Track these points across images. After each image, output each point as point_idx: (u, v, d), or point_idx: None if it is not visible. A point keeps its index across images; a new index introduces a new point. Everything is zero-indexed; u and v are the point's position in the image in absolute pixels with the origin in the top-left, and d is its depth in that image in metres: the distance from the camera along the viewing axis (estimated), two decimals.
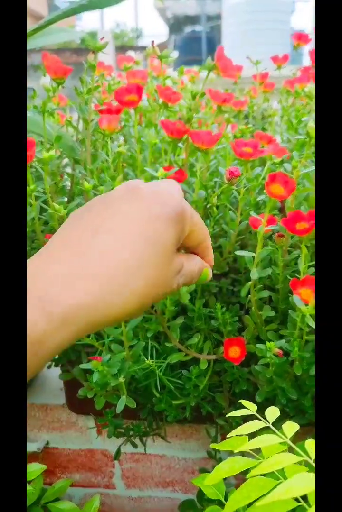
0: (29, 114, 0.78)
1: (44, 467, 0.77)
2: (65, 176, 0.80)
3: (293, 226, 0.56)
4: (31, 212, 0.58)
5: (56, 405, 1.00)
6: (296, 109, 0.77)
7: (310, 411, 0.70)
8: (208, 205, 0.64)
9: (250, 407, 0.40)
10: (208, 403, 0.79)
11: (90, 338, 0.60)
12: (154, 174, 0.55)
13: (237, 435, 0.38)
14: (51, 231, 0.65)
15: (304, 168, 0.59)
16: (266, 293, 0.66)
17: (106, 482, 1.06)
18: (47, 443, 1.03)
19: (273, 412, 0.38)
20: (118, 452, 0.82)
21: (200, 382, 0.71)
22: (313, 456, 0.34)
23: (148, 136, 0.67)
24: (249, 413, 0.40)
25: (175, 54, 1.05)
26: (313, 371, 0.62)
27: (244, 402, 0.41)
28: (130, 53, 1.28)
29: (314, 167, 0.59)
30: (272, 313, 0.66)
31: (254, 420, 0.38)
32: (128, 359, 0.62)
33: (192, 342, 0.68)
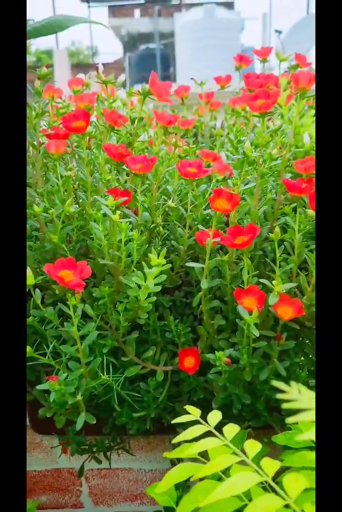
0: None
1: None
2: None
3: (233, 241, 0.60)
4: None
5: None
6: (236, 129, 0.81)
7: (264, 414, 0.74)
8: (153, 225, 0.67)
9: (193, 413, 0.42)
10: (168, 413, 0.82)
11: (47, 357, 0.62)
12: (104, 202, 0.57)
13: (183, 441, 0.41)
14: None
15: (244, 185, 0.63)
16: (216, 303, 0.69)
17: (74, 501, 1.06)
18: None
19: (215, 416, 0.41)
20: (81, 470, 0.82)
21: (158, 394, 0.73)
22: (251, 455, 0.37)
23: (97, 159, 0.70)
24: (193, 419, 0.42)
25: (122, 78, 1.09)
26: (263, 376, 0.66)
27: (187, 407, 0.44)
28: (81, 75, 1.30)
29: (252, 184, 0.64)
30: (223, 322, 0.69)
31: (197, 425, 0.41)
32: (86, 376, 0.64)
33: (147, 355, 0.71)
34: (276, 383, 0.32)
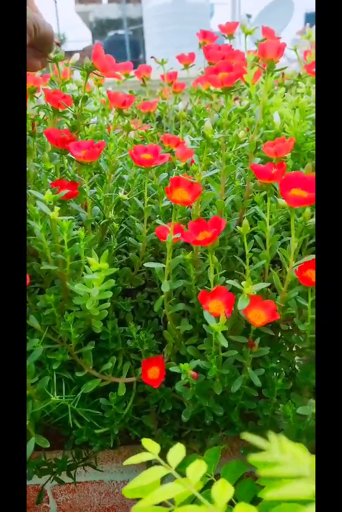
0: None
1: None
2: None
3: (195, 237, 0.52)
4: None
5: None
6: (197, 109, 0.73)
7: (239, 425, 0.67)
8: (105, 221, 0.59)
9: (152, 450, 0.35)
10: (135, 426, 0.74)
11: None
12: (41, 197, 0.49)
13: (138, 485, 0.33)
14: None
15: (206, 171, 0.55)
16: (181, 306, 0.62)
17: None
18: None
19: (176, 454, 0.34)
20: (40, 495, 0.74)
21: (120, 409, 0.65)
22: (221, 504, 0.30)
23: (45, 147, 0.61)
24: (151, 457, 0.35)
25: (75, 57, 0.99)
26: (235, 388, 0.58)
27: (144, 441, 0.36)
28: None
29: (216, 170, 0.56)
30: (189, 327, 0.62)
31: (156, 466, 0.33)
32: (34, 397, 0.56)
33: (106, 367, 0.63)
34: (247, 436, 0.25)
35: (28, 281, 0.48)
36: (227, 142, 0.59)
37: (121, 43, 10.59)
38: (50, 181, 0.58)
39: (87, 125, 0.67)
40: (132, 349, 0.67)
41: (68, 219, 0.48)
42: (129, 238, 0.65)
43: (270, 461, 0.23)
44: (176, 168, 0.67)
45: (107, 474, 0.93)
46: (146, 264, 0.57)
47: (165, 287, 0.56)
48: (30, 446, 0.58)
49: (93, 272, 0.46)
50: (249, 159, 0.66)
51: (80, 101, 0.60)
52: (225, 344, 0.51)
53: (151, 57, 1.03)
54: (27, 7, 0.53)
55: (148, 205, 0.62)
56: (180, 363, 0.58)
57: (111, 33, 11.64)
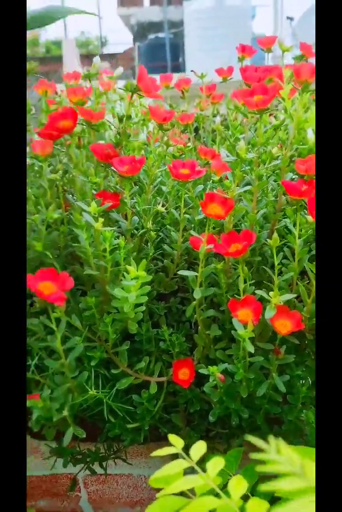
0: None
1: None
2: None
3: (227, 248, 0.56)
4: None
5: None
6: (233, 126, 0.77)
7: (263, 428, 0.70)
8: (143, 231, 0.63)
9: (177, 445, 0.39)
10: (165, 423, 0.79)
11: (31, 372, 0.59)
12: (87, 208, 0.54)
13: (163, 475, 0.37)
14: None
15: (241, 187, 0.59)
16: (211, 313, 0.65)
17: (72, 506, 1.03)
18: None
19: (198, 449, 0.38)
20: (73, 483, 0.80)
21: (151, 406, 0.70)
22: (236, 497, 0.34)
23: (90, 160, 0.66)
24: (175, 451, 0.39)
25: (119, 71, 1.05)
26: (260, 392, 0.62)
27: (170, 437, 0.40)
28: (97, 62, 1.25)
29: (248, 187, 0.59)
30: (219, 332, 0.66)
31: (179, 459, 0.37)
32: (73, 390, 0.61)
33: (140, 366, 0.67)
34: (250, 438, 0.28)
35: (72, 284, 0.53)
36: (260, 159, 0.62)
37: (161, 46, 10.68)
38: (94, 192, 0.63)
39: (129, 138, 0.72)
40: (165, 350, 0.71)
41: (110, 230, 0.53)
42: (165, 246, 0.69)
43: (266, 459, 0.26)
44: (211, 180, 0.71)
45: (136, 468, 0.98)
46: (180, 272, 0.61)
47: (197, 294, 0.60)
48: (68, 435, 0.63)
49: (131, 279, 0.50)
50: (282, 174, 0.69)
51: (124, 119, 0.64)
52: (251, 349, 0.54)
53: (191, 70, 1.07)
54: None
55: (184, 216, 0.66)
56: (209, 366, 0.62)
57: (151, 36, 11.74)
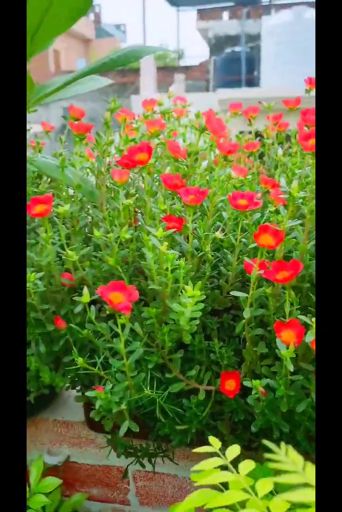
0: (52, 161, 0.88)
1: (59, 481, 0.85)
2: (85, 215, 0.89)
3: (275, 275, 0.62)
4: (48, 256, 0.68)
5: (77, 422, 1.09)
6: (292, 162, 0.82)
7: (303, 443, 0.75)
8: (202, 253, 0.71)
9: (214, 444, 0.46)
10: (211, 429, 0.85)
11: (97, 368, 0.68)
12: (154, 232, 0.62)
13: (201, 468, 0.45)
14: (67, 270, 0.74)
15: (291, 220, 0.65)
16: (259, 331, 0.72)
17: (121, 498, 1.12)
18: (68, 458, 1.11)
19: (233, 451, 0.45)
20: (126, 472, 0.88)
21: (199, 411, 0.77)
22: (261, 493, 0.40)
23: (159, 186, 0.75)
24: (213, 450, 0.46)
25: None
26: (300, 409, 0.67)
27: (210, 438, 0.47)
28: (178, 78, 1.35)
29: (299, 221, 0.65)
30: (265, 350, 0.72)
31: (215, 457, 0.45)
32: (131, 388, 0.70)
33: (191, 374, 0.75)
34: (266, 442, 0.35)
35: (137, 296, 0.62)
36: (312, 196, 0.67)
37: (237, 60, 10.78)
38: (162, 216, 0.72)
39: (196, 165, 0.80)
40: (214, 361, 0.78)
41: (173, 253, 0.61)
42: (221, 267, 0.76)
43: (276, 459, 0.33)
44: (267, 210, 0.78)
45: (181, 470, 1.05)
46: (233, 292, 0.68)
47: (247, 313, 0.67)
48: (124, 427, 0.72)
49: (187, 297, 0.58)
50: None
51: (192, 154, 0.73)
52: (291, 368, 0.60)
53: (259, 102, 1.13)
54: None
55: (240, 242, 0.73)
56: (253, 380, 0.68)
57: (228, 50, 11.90)
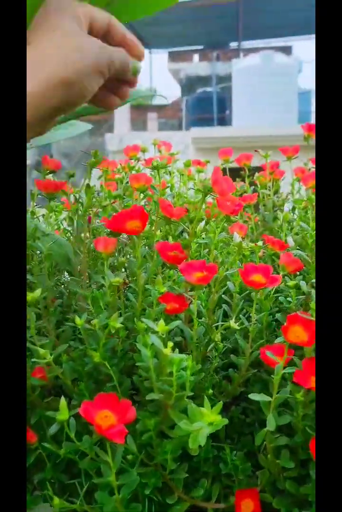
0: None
1: None
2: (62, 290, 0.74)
3: (309, 378, 0.48)
4: None
5: None
6: (300, 217, 0.70)
7: None
8: (210, 344, 0.57)
9: None
10: None
11: (79, 502, 0.52)
12: (154, 328, 0.48)
13: None
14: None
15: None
16: (284, 441, 0.57)
17: None
18: None
19: None
20: None
21: None
22: None
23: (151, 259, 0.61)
24: None
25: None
26: None
27: None
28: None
29: None
30: (291, 465, 0.57)
31: None
32: None
33: (198, 494, 0.59)
34: None
35: (135, 415, 0.47)
36: None
37: (209, 99, 10.96)
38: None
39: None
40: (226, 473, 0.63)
41: (179, 356, 0.46)
42: (232, 356, 0.62)
43: None
44: (283, 283, 0.65)
45: None
46: (251, 396, 0.54)
47: (271, 423, 0.53)
48: None
49: (205, 422, 0.44)
50: None
51: (195, 221, 0.59)
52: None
53: (255, 150, 1.03)
54: (102, 42, 0.49)
55: (254, 325, 0.60)
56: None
57: (199, 90, 12.08)
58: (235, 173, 1.09)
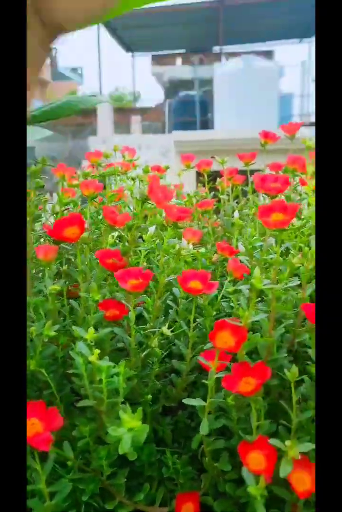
0: None
1: None
2: None
3: (237, 382, 0.50)
4: None
5: None
6: (251, 234, 0.72)
7: None
8: (147, 351, 0.58)
9: None
10: None
11: None
12: (84, 335, 0.49)
13: None
14: None
15: (255, 314, 0.53)
16: (220, 444, 0.58)
17: None
18: None
19: None
20: None
21: None
22: None
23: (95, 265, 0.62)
24: None
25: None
26: None
27: None
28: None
29: (264, 315, 0.53)
30: (229, 467, 0.58)
31: None
32: None
33: (139, 498, 0.60)
34: None
35: (61, 422, 0.47)
36: (278, 278, 0.56)
37: (191, 103, 11.02)
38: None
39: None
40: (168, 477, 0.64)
41: (107, 364, 0.47)
42: (173, 361, 0.63)
43: None
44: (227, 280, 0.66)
45: None
46: (185, 401, 0.54)
47: (204, 427, 0.54)
48: None
49: (126, 429, 0.44)
50: (302, 287, 0.63)
51: (133, 228, 0.60)
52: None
53: (212, 157, 1.04)
54: None
55: (193, 332, 0.61)
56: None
57: (182, 93, 12.13)
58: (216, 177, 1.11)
